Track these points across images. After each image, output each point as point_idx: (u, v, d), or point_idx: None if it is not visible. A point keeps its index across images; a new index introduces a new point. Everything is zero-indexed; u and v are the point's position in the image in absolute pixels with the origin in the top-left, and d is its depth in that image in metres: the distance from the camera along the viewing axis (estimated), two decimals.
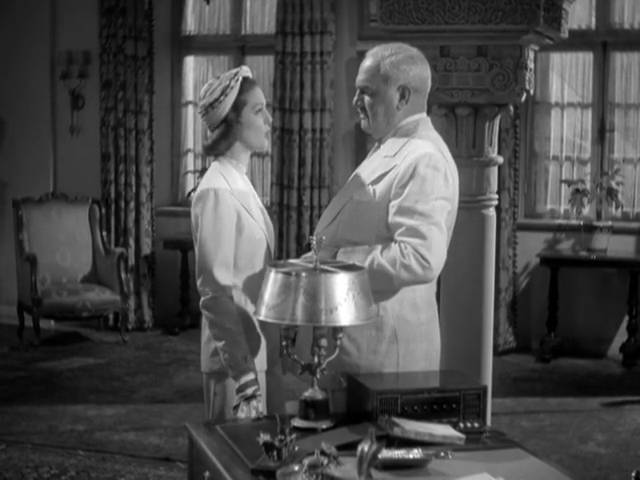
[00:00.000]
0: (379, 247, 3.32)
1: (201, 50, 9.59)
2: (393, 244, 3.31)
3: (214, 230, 3.54)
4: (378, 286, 3.24)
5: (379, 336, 3.40)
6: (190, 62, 9.68)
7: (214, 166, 3.72)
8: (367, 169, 3.53)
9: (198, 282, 3.55)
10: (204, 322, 3.62)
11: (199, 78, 9.66)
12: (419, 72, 3.50)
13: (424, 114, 3.56)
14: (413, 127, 3.50)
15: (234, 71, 3.70)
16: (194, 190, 3.68)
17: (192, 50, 9.60)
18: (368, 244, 3.37)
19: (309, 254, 3.27)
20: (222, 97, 3.62)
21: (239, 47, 9.44)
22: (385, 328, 3.40)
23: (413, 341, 3.44)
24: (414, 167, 3.34)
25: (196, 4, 9.53)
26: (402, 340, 3.42)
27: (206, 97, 3.66)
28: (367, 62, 3.52)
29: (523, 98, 4.64)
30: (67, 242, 9.10)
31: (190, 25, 9.60)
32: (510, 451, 2.98)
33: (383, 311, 3.37)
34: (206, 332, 3.62)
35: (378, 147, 3.58)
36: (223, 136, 3.66)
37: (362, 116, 3.56)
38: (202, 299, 3.54)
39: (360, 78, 3.53)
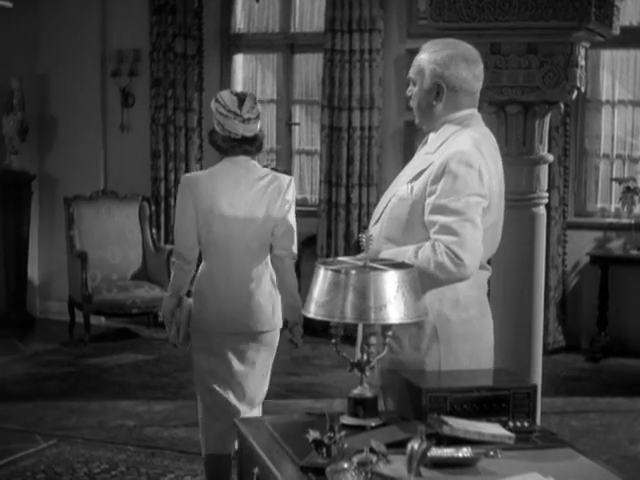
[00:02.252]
0: (414, 247, 3.32)
1: (250, 48, 9.63)
2: (428, 243, 3.30)
3: None
4: None
5: (420, 333, 3.39)
6: (239, 60, 9.71)
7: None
8: (411, 166, 3.55)
9: (294, 246, 4.63)
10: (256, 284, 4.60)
11: (248, 76, 9.70)
12: (457, 71, 3.47)
13: (467, 111, 3.52)
14: (456, 124, 3.49)
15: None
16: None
17: (241, 48, 9.64)
18: (408, 242, 3.38)
19: (361, 255, 3.27)
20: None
21: (288, 45, 9.46)
22: (426, 326, 3.39)
23: (455, 340, 3.42)
24: (445, 164, 3.34)
25: (245, 2, 9.56)
26: (443, 338, 3.41)
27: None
28: (418, 55, 3.56)
29: (574, 96, 4.61)
30: (117, 239, 9.18)
31: (239, 23, 9.63)
32: (560, 451, 2.96)
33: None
34: (265, 291, 4.57)
35: (425, 143, 3.59)
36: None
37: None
38: (294, 258, 4.64)
39: (410, 70, 3.58)
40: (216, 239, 4.57)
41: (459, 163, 3.33)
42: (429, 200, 3.35)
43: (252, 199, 4.55)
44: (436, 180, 3.34)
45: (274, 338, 4.66)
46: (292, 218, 4.60)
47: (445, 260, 3.25)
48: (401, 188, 3.47)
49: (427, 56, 3.49)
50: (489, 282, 3.64)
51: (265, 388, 4.76)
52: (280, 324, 4.65)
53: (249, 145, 4.57)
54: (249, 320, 4.55)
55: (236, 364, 4.60)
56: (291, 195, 4.59)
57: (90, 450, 6.04)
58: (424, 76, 3.49)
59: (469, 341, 3.45)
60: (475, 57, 3.54)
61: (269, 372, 4.76)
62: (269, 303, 4.59)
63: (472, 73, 3.51)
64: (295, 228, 4.63)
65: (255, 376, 4.66)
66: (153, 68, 9.43)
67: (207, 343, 4.61)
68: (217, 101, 4.56)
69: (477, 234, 3.32)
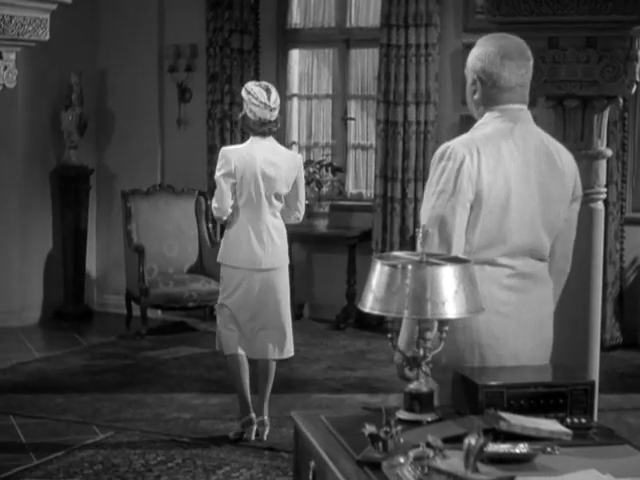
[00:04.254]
0: None
1: (306, 43, 9.65)
2: None
3: None
4: None
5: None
6: (295, 55, 9.74)
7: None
8: None
9: (303, 210, 6.18)
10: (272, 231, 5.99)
11: (304, 71, 9.72)
12: (491, 67, 3.47)
13: (504, 106, 3.49)
14: (486, 118, 3.52)
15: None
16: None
17: (297, 43, 9.66)
18: None
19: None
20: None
21: (344, 40, 9.47)
22: None
23: (454, 331, 3.31)
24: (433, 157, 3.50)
25: None
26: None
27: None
28: None
29: (633, 90, 4.56)
30: (174, 233, 9.25)
31: (295, 18, 9.66)
32: (618, 448, 2.94)
33: None
34: (282, 235, 6.01)
35: None
36: None
37: None
38: (298, 218, 6.18)
39: None
40: (249, 195, 5.90)
41: (439, 157, 3.43)
42: None
43: (275, 166, 5.93)
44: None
45: (286, 268, 6.12)
46: (302, 185, 6.08)
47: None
48: None
49: (472, 52, 3.56)
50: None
51: (288, 309, 6.12)
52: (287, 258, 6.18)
53: (272, 125, 5.99)
54: (271, 258, 5.97)
55: (260, 293, 5.95)
56: (302, 169, 6.09)
57: (147, 442, 6.10)
58: (468, 71, 3.57)
59: (469, 334, 3.41)
60: (514, 53, 3.48)
61: (288, 292, 6.16)
62: (285, 243, 6.05)
63: (508, 69, 3.47)
64: (304, 193, 6.15)
65: (282, 299, 6.03)
66: (210, 63, 9.49)
67: (234, 277, 5.97)
68: (249, 93, 6.00)
69: (434, 229, 3.38)
